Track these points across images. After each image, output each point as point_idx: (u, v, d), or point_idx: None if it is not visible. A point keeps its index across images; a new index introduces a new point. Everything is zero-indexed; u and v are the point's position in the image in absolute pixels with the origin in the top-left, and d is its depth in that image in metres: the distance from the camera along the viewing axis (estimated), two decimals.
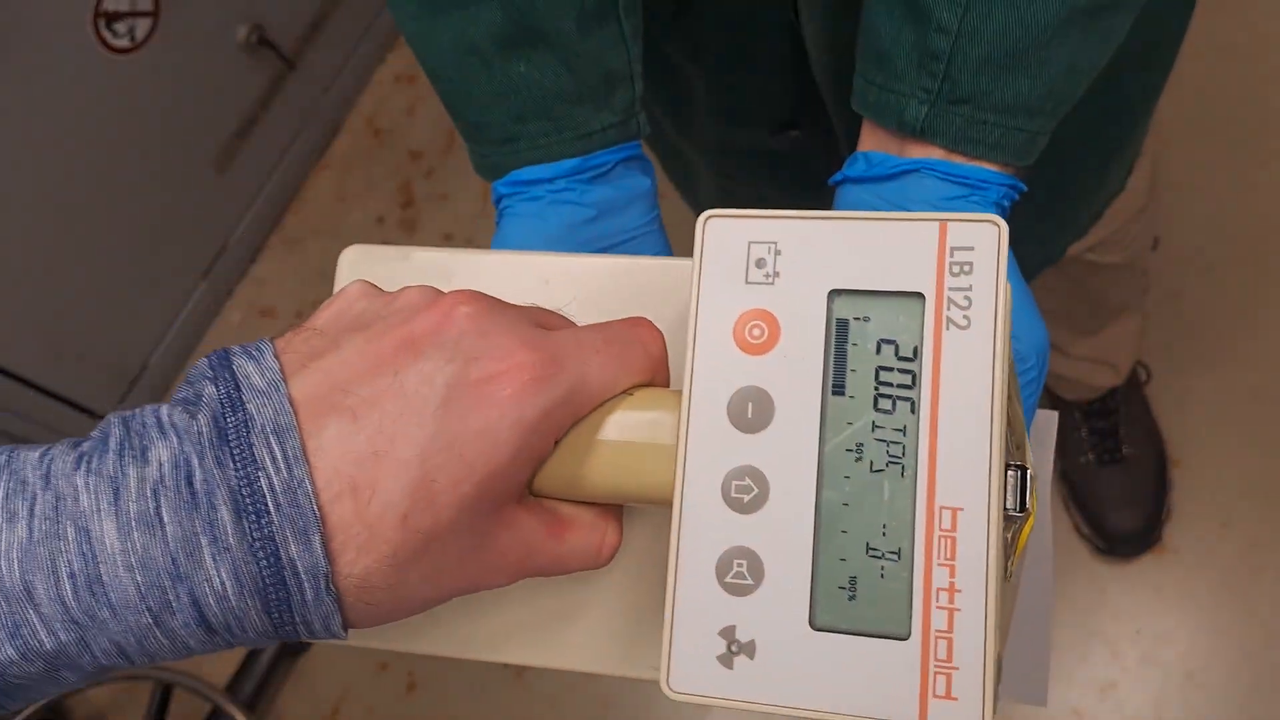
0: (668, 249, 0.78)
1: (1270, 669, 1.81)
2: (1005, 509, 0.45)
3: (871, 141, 0.71)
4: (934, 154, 0.67)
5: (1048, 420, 0.69)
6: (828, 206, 1.17)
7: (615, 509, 0.52)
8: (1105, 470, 1.93)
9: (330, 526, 0.42)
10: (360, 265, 0.62)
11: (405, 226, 2.55)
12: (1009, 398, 0.50)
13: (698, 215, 1.18)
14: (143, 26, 2.12)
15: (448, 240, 2.51)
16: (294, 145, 2.59)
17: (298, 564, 0.41)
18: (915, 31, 0.66)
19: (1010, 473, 0.44)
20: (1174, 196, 2.03)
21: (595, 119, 0.73)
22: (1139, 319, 1.79)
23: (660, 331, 0.51)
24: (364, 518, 0.42)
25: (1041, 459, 0.69)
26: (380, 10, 2.69)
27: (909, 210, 0.66)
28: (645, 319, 0.51)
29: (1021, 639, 0.65)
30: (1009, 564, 0.49)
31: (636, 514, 0.55)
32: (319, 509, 0.41)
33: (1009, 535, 0.48)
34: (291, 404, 0.43)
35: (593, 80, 0.73)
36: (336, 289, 0.62)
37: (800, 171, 1.11)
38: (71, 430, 2.27)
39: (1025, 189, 0.68)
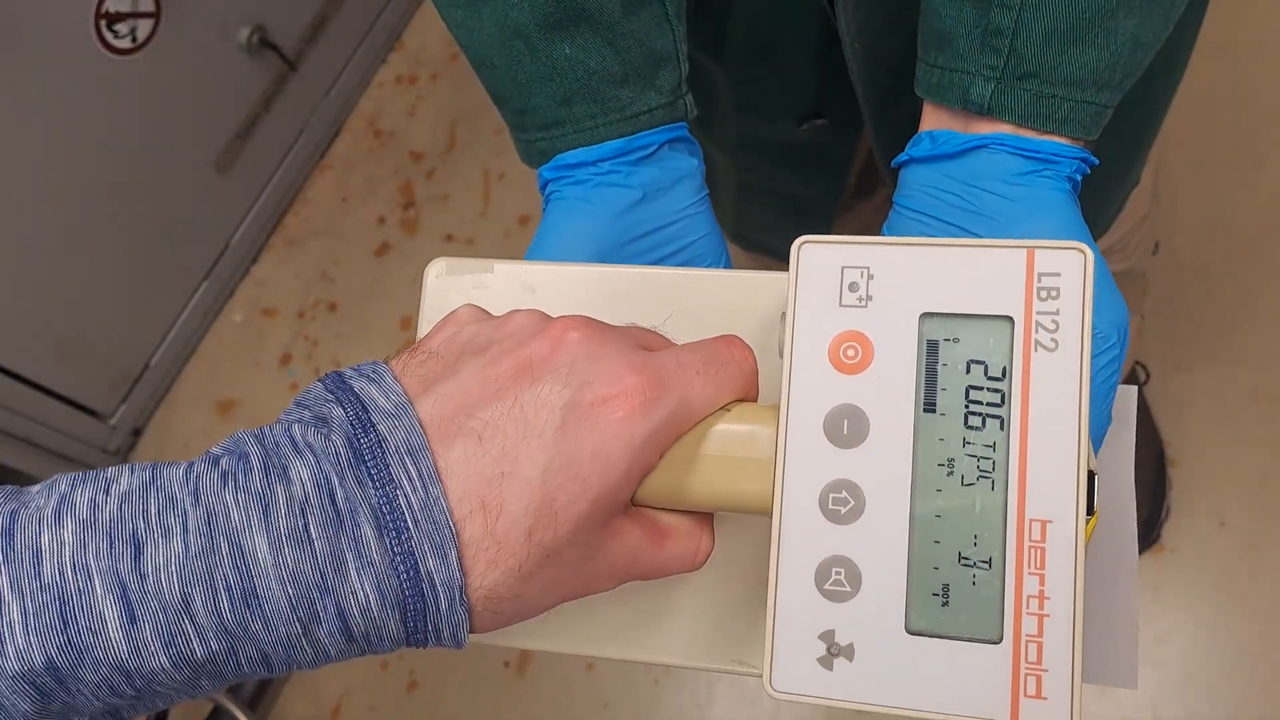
0: (716, 228, 0.78)
1: (1269, 669, 1.83)
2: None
3: (934, 122, 0.72)
4: (1003, 129, 0.67)
5: (1127, 395, 0.69)
6: (847, 195, 1.18)
7: (708, 516, 0.54)
8: None
9: (463, 542, 0.44)
10: (446, 277, 0.64)
11: (406, 227, 2.55)
12: None
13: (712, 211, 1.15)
14: (144, 27, 2.12)
15: (448, 241, 2.51)
16: (295, 146, 2.59)
17: (435, 577, 0.44)
18: (977, 9, 0.66)
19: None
20: (1172, 198, 2.05)
21: (641, 100, 0.74)
22: (1137, 320, 1.79)
23: (751, 349, 0.53)
24: (494, 534, 0.45)
25: (1123, 435, 0.70)
26: (381, 11, 2.70)
27: (983, 190, 0.67)
28: (737, 337, 0.53)
29: (1109, 624, 0.67)
30: None
31: (720, 518, 0.58)
32: (454, 525, 0.44)
33: None
34: (421, 425, 0.46)
35: (637, 61, 0.73)
36: (424, 300, 0.64)
37: (823, 162, 1.12)
38: (72, 430, 2.27)
39: (1097, 162, 0.68)
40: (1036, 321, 0.45)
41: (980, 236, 0.66)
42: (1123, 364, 0.65)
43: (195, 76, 2.27)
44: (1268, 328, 2.01)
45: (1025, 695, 0.43)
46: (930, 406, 0.46)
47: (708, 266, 0.76)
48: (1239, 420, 1.96)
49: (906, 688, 0.45)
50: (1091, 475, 0.47)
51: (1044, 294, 0.45)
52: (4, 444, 2.15)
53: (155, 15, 2.12)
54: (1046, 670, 0.43)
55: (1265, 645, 1.84)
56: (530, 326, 0.50)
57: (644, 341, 0.53)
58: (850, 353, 0.47)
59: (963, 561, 0.45)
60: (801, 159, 1.12)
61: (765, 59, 0.98)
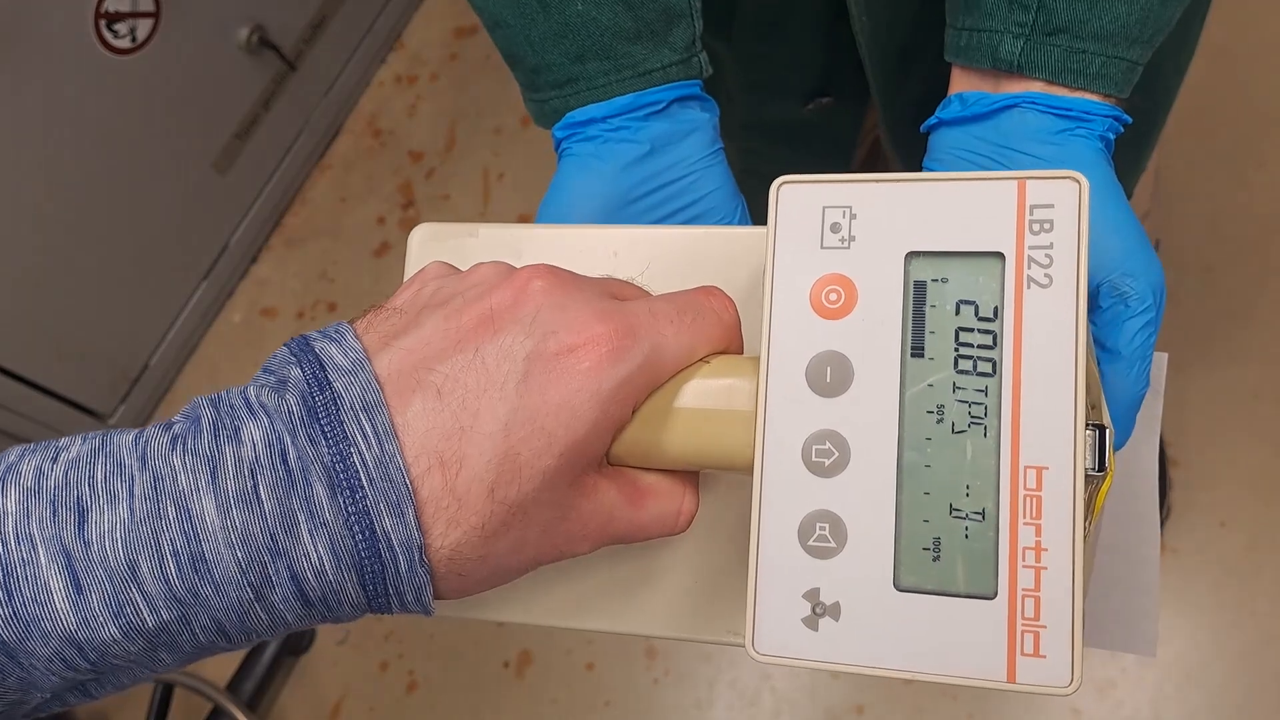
0: (729, 183, 0.77)
1: (1268, 669, 1.82)
2: (1087, 470, 0.45)
3: (963, 84, 0.71)
4: (1034, 87, 0.66)
5: (1158, 363, 0.68)
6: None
7: (692, 476, 0.52)
8: None
9: (421, 500, 0.43)
10: (430, 243, 0.63)
11: (406, 227, 2.54)
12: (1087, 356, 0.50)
13: None
14: (144, 27, 2.11)
15: None
16: (295, 146, 2.59)
17: (392, 537, 0.42)
18: None
19: (1088, 432, 0.44)
20: (1172, 197, 2.05)
21: (654, 57, 0.73)
22: None
23: (732, 299, 0.51)
24: (454, 491, 0.43)
25: (1152, 403, 0.68)
26: (381, 11, 2.69)
27: (1016, 151, 0.66)
28: (717, 287, 0.51)
29: (1128, 589, 0.65)
30: (1087, 524, 0.49)
31: (708, 480, 0.56)
32: (410, 483, 0.42)
33: (1088, 495, 0.48)
34: (377, 381, 0.44)
35: (650, 17, 0.72)
36: (408, 265, 0.62)
37: (828, 142, 1.12)
38: (72, 430, 2.25)
39: (1130, 121, 0.67)
40: (1029, 257, 0.43)
41: None
42: (1158, 328, 0.63)
43: (195, 76, 2.27)
44: (1269, 327, 2.00)
45: (1023, 653, 0.41)
46: (918, 350, 0.44)
47: (719, 221, 0.75)
48: (1239, 420, 1.96)
49: (896, 647, 0.42)
50: (1101, 429, 0.45)
51: (1036, 227, 0.43)
52: (4, 444, 2.14)
53: (155, 15, 2.12)
54: (1045, 626, 0.41)
55: (1266, 645, 1.83)
56: (494, 277, 0.48)
57: (616, 292, 0.51)
58: (833, 296, 0.45)
59: (954, 513, 0.42)
60: (806, 140, 1.11)
61: (773, 36, 0.98)
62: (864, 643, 0.43)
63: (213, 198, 2.44)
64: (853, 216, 0.46)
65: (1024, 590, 0.41)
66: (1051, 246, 0.43)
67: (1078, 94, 0.66)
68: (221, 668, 2.16)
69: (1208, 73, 2.06)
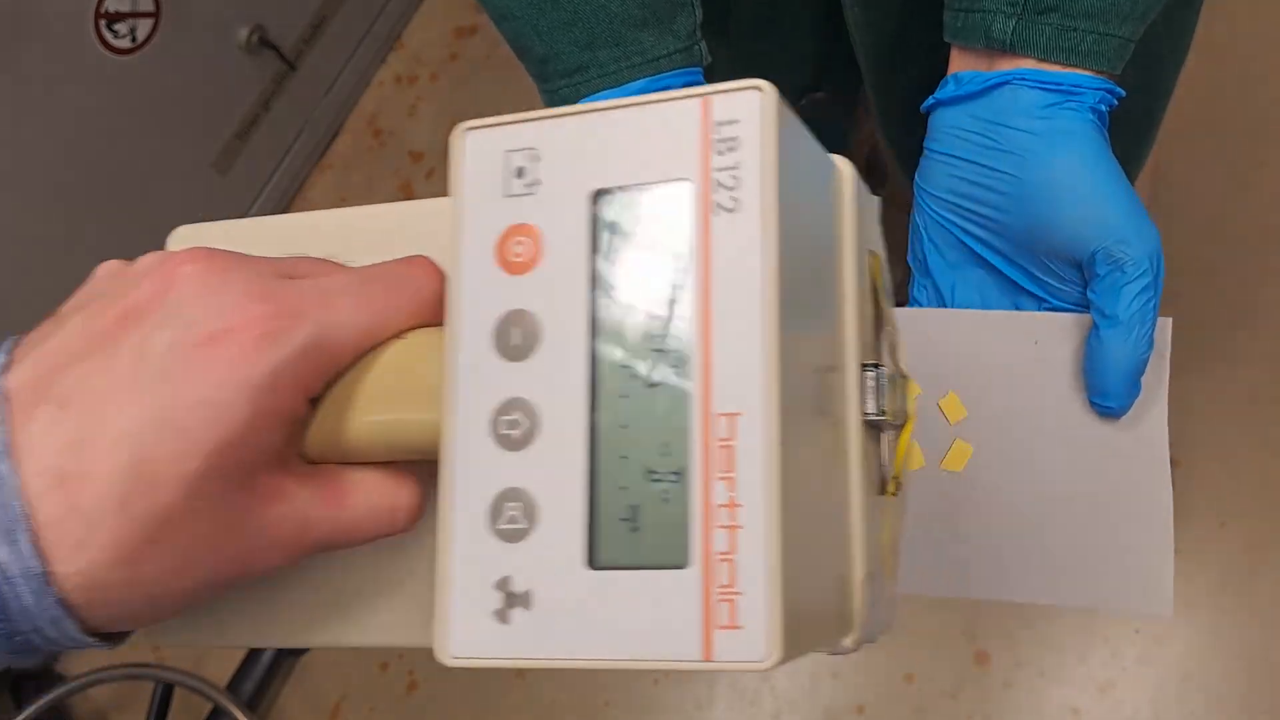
0: None
1: (1268, 669, 1.81)
2: (865, 414, 0.42)
3: (960, 65, 0.72)
4: (1026, 64, 0.67)
5: (1161, 327, 0.68)
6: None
7: (413, 466, 0.46)
8: None
9: (39, 523, 0.38)
10: (189, 244, 0.58)
11: None
12: (877, 292, 0.45)
13: None
14: (144, 27, 2.12)
15: None
16: (295, 146, 2.59)
17: (10, 567, 0.38)
18: None
19: (868, 374, 0.40)
20: (1172, 198, 2.03)
21: (660, 44, 0.74)
22: None
23: (439, 268, 0.46)
24: (77, 509, 0.38)
25: (1158, 365, 0.68)
26: (381, 11, 2.69)
27: (1008, 127, 0.67)
28: (423, 256, 0.46)
29: (1141, 549, 0.63)
30: (889, 476, 0.45)
31: None
32: (28, 505, 0.38)
33: (886, 444, 0.45)
34: (5, 397, 0.39)
35: (656, 4, 0.74)
36: None
37: (823, 139, 1.11)
38: None
39: (1123, 94, 0.68)
40: (715, 180, 0.37)
41: (1009, 174, 0.67)
42: (1159, 293, 0.65)
43: (195, 76, 2.28)
44: (1268, 328, 1.99)
45: (719, 626, 0.35)
46: (608, 299, 0.39)
47: None
48: (1239, 420, 1.94)
49: (589, 634, 0.37)
50: (877, 368, 0.41)
51: (722, 146, 0.38)
52: None
53: (155, 15, 2.13)
54: (740, 593, 0.35)
55: (1266, 645, 1.81)
56: (145, 269, 0.43)
57: (292, 269, 0.45)
58: (518, 249, 0.40)
59: (651, 477, 0.37)
60: None
61: (770, 33, 0.98)
62: (556, 632, 0.38)
63: (213, 198, 2.44)
64: (537, 159, 0.41)
65: (719, 554, 0.36)
66: (738, 167, 0.38)
67: (1069, 69, 0.67)
68: (221, 668, 2.17)
69: (1208, 72, 2.05)
